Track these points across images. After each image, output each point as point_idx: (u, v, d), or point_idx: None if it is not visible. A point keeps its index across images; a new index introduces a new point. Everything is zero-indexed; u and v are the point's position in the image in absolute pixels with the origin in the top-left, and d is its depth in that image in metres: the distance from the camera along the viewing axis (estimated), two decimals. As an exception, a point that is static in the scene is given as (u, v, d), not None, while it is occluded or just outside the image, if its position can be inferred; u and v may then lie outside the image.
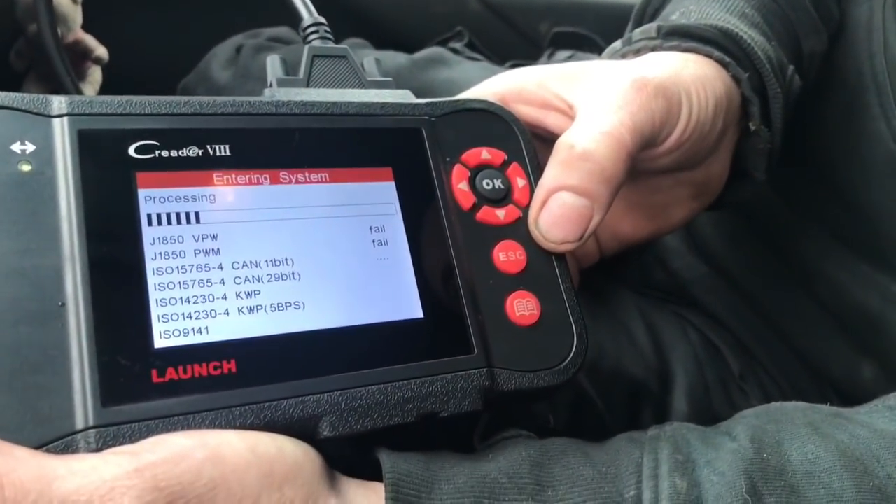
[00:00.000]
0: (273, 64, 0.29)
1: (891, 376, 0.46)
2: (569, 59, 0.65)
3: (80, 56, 0.73)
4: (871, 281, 0.44)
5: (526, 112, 0.33)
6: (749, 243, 0.52)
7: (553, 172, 0.29)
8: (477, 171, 0.29)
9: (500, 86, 0.33)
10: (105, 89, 0.71)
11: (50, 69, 0.36)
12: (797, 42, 0.40)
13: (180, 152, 0.25)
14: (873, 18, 0.41)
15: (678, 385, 0.49)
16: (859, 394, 0.48)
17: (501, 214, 0.29)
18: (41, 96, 0.24)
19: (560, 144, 0.29)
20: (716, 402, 0.50)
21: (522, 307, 0.28)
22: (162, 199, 0.24)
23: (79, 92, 0.36)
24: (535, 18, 0.88)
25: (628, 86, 0.30)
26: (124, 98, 0.25)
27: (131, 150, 0.24)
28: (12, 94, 0.24)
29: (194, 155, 0.25)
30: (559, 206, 0.28)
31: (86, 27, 0.72)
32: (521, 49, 0.87)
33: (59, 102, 0.24)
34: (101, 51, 0.72)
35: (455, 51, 0.62)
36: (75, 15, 0.71)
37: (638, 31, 0.37)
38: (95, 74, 0.74)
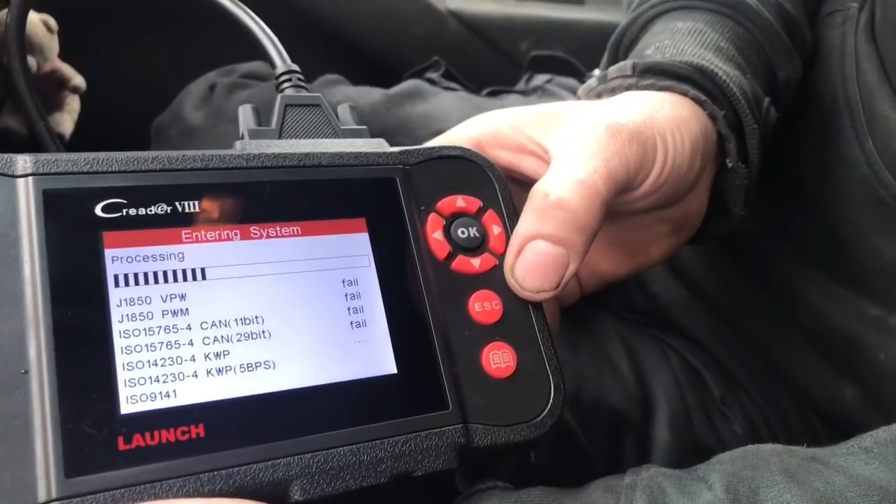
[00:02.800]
0: (245, 114, 0.29)
1: (871, 398, 0.46)
2: (547, 82, 0.65)
3: (57, 85, 0.72)
4: (849, 304, 0.44)
5: (501, 156, 0.33)
6: (727, 267, 0.52)
7: (528, 221, 0.29)
8: (452, 219, 0.29)
9: (475, 130, 0.33)
10: (83, 119, 0.71)
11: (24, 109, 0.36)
12: (772, 72, 0.41)
13: (148, 210, 0.25)
14: (846, 42, 0.42)
15: (660, 412, 0.49)
16: (841, 415, 0.48)
17: (477, 263, 0.29)
18: (5, 156, 0.24)
19: (535, 192, 0.29)
20: (698, 428, 0.50)
21: (498, 359, 0.27)
22: (129, 259, 0.24)
23: (51, 134, 0.35)
24: (515, 38, 0.88)
25: (602, 132, 0.30)
26: (91, 155, 0.25)
27: (98, 210, 0.24)
28: None
29: (162, 212, 0.25)
30: (534, 255, 0.28)
31: (63, 56, 0.71)
32: (501, 69, 0.87)
33: (23, 162, 0.24)
34: (79, 80, 0.71)
35: (432, 81, 0.62)
36: (51, 44, 0.71)
37: (613, 68, 0.37)
38: (73, 103, 0.73)
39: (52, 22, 0.71)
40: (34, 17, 0.70)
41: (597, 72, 0.73)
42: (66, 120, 0.73)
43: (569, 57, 0.70)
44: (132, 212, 0.24)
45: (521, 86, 0.68)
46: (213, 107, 0.53)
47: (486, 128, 0.33)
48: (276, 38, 0.32)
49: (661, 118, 0.32)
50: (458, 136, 0.33)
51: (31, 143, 0.72)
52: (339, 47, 0.86)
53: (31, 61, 0.69)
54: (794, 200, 0.46)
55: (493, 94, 0.64)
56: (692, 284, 0.54)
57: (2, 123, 0.72)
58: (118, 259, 0.24)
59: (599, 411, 0.47)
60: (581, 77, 0.68)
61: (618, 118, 0.31)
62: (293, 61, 0.58)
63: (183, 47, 0.76)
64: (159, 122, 0.57)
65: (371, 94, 0.56)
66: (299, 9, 0.83)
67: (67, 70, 0.72)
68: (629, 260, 0.37)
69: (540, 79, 0.66)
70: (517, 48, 0.88)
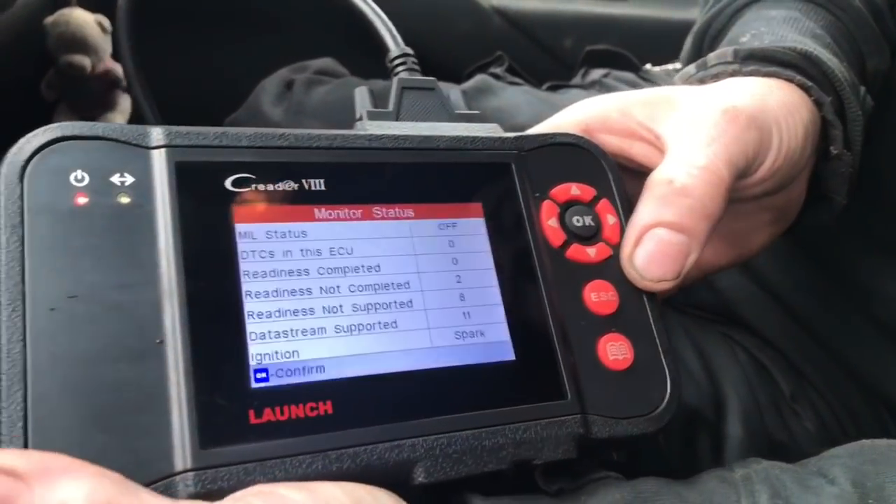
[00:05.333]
0: (362, 96, 0.29)
1: (948, 393, 0.45)
2: (604, 77, 0.65)
3: (110, 85, 0.73)
4: None
5: (610, 142, 0.32)
6: (799, 261, 0.52)
7: (649, 208, 0.28)
8: (566, 207, 0.29)
9: (582, 115, 0.33)
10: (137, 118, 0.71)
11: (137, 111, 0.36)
12: (862, 61, 0.40)
13: (276, 186, 0.24)
14: None
15: (731, 409, 0.48)
16: (915, 412, 0.47)
17: (592, 252, 0.28)
18: (140, 127, 0.24)
19: (655, 180, 0.29)
20: (770, 425, 0.49)
21: (615, 350, 0.27)
22: (258, 234, 0.24)
23: (155, 116, 0.35)
24: (560, 34, 0.88)
25: (719, 117, 0.30)
26: (220, 130, 0.25)
27: (228, 184, 0.24)
28: (112, 125, 0.23)
29: (290, 189, 0.25)
30: (656, 244, 0.27)
31: (115, 56, 0.72)
32: (544, 65, 0.87)
33: (157, 133, 0.24)
34: (131, 78, 0.72)
35: (497, 76, 0.62)
36: (105, 45, 0.71)
37: (712, 55, 0.36)
38: (124, 103, 0.74)
39: (106, 23, 0.72)
40: (89, 18, 0.70)
41: (649, 66, 0.72)
42: (118, 119, 0.74)
43: (624, 51, 0.69)
44: (261, 187, 0.24)
45: (577, 80, 0.68)
46: (293, 102, 0.53)
47: (593, 113, 0.32)
48: (389, 22, 0.32)
49: (773, 103, 0.31)
50: (565, 121, 0.33)
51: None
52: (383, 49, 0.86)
53: (86, 61, 0.70)
54: (872, 193, 0.45)
55: (552, 89, 0.64)
56: (760, 279, 0.53)
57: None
58: (248, 234, 0.24)
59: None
60: (637, 71, 0.67)
61: (734, 102, 0.30)
62: (335, 58, 0.57)
63: (240, 46, 0.77)
64: (235, 119, 0.57)
65: (445, 90, 0.56)
66: (341, 5, 0.83)
67: (120, 70, 0.73)
68: (731, 249, 0.37)
69: (597, 73, 0.66)
70: (561, 44, 0.87)
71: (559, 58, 0.87)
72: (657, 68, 0.70)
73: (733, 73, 0.35)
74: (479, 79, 0.58)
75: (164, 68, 0.64)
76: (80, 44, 0.69)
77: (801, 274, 0.52)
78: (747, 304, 0.53)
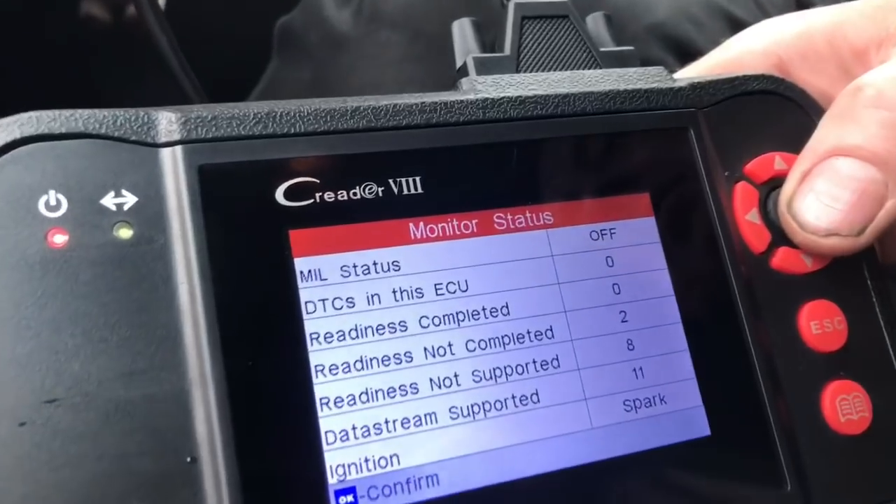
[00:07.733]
0: (463, 34, 0.19)
1: None
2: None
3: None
4: None
5: (817, 84, 0.22)
6: None
7: (824, 131, 0.19)
8: (768, 190, 0.20)
9: (772, 42, 0.22)
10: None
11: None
12: None
13: (351, 193, 0.16)
14: None
15: None
16: None
17: (808, 260, 0.19)
18: (141, 113, 0.15)
19: (841, 93, 0.19)
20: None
21: (848, 406, 0.19)
22: (328, 272, 0.16)
23: (191, 79, 0.27)
24: None
25: None
26: (262, 108, 0.16)
27: (279, 195, 0.16)
28: (98, 112, 0.15)
29: (371, 196, 0.16)
30: (829, 178, 0.18)
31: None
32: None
33: (167, 122, 0.15)
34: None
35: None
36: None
37: None
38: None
39: None
40: None
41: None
42: None
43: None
44: (328, 197, 0.16)
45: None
46: (365, 6, 0.41)
47: (788, 40, 0.22)
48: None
49: None
50: (748, 52, 0.23)
51: (116, 37, 0.63)
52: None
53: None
54: None
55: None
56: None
57: (84, 10, 0.63)
58: (313, 272, 0.15)
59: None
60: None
61: None
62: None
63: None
64: (288, 24, 0.44)
65: None
66: None
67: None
68: None
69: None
70: None
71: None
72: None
73: None
74: None
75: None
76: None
77: None
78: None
